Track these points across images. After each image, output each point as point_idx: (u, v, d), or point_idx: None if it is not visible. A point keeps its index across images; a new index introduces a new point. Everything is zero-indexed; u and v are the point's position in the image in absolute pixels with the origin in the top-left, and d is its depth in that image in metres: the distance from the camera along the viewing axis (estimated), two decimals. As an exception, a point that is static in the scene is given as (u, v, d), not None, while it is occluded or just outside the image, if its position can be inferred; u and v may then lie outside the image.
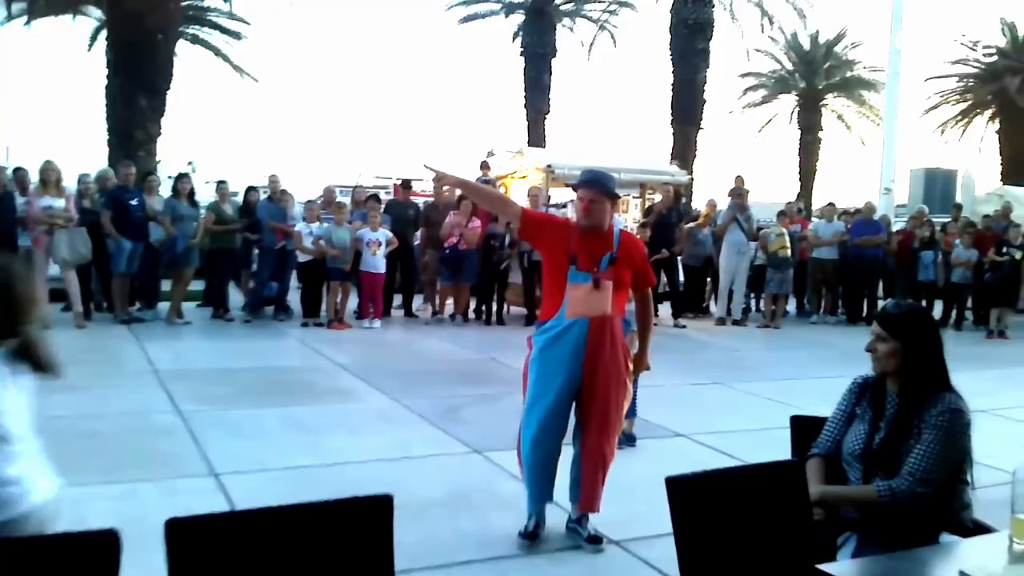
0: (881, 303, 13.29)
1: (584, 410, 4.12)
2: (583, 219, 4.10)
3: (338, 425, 6.31)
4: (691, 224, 13.20)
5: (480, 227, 11.59)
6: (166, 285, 11.25)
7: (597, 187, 4.10)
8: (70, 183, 10.69)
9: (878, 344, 2.88)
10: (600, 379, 4.04)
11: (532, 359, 4.12)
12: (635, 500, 4.64)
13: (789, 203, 15.76)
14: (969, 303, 13.63)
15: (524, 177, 13.99)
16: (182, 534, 2.06)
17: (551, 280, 4.15)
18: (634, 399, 5.55)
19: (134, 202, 10.49)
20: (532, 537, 4.15)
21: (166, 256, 10.87)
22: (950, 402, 2.77)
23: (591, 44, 28.85)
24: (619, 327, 4.13)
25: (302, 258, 11.04)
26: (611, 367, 4.06)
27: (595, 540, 4.15)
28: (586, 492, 4.15)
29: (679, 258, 12.66)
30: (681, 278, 12.91)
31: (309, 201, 11.76)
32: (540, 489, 4.17)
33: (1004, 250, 12.84)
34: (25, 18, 19.47)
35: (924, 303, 13.28)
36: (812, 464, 2.96)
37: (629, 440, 5.84)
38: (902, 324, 2.88)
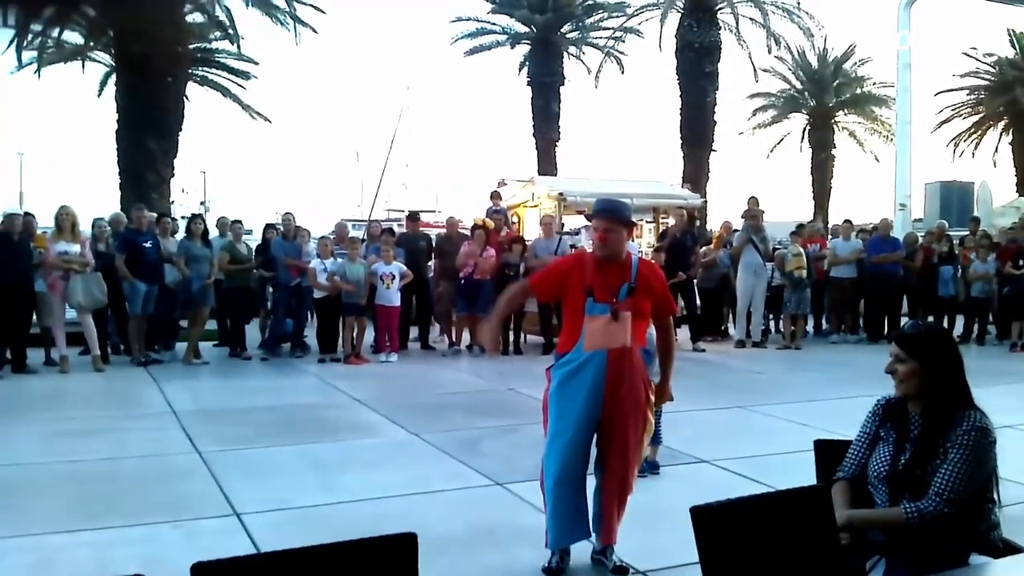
0: (904, 319, 13.20)
1: (605, 443, 4.07)
2: (599, 249, 4.04)
3: (358, 461, 6.29)
4: (705, 248, 13.19)
5: (495, 256, 11.61)
6: (183, 325, 11.30)
7: (612, 216, 4.03)
8: (85, 228, 10.78)
9: (897, 365, 2.86)
10: (620, 412, 3.99)
11: (551, 393, 4.05)
12: (660, 529, 4.60)
13: (809, 222, 15.67)
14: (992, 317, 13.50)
15: (536, 206, 14.04)
16: (206, 579, 2.05)
17: (569, 312, 4.09)
18: (658, 426, 5.53)
19: (148, 244, 10.56)
20: (556, 574, 4.07)
21: (182, 297, 10.93)
22: (976, 420, 2.73)
23: (598, 71, 29.03)
24: (639, 358, 4.07)
25: (317, 295, 11.08)
26: (631, 400, 4.00)
27: (621, 571, 4.09)
28: (606, 524, 4.12)
29: (695, 281, 12.64)
30: (698, 301, 12.87)
31: (322, 237, 11.81)
32: (566, 525, 4.05)
33: (1021, 263, 12.75)
34: (35, 66, 19.76)
35: (945, 318, 13.21)
36: (837, 488, 2.93)
37: (652, 468, 5.79)
38: (920, 344, 2.86)
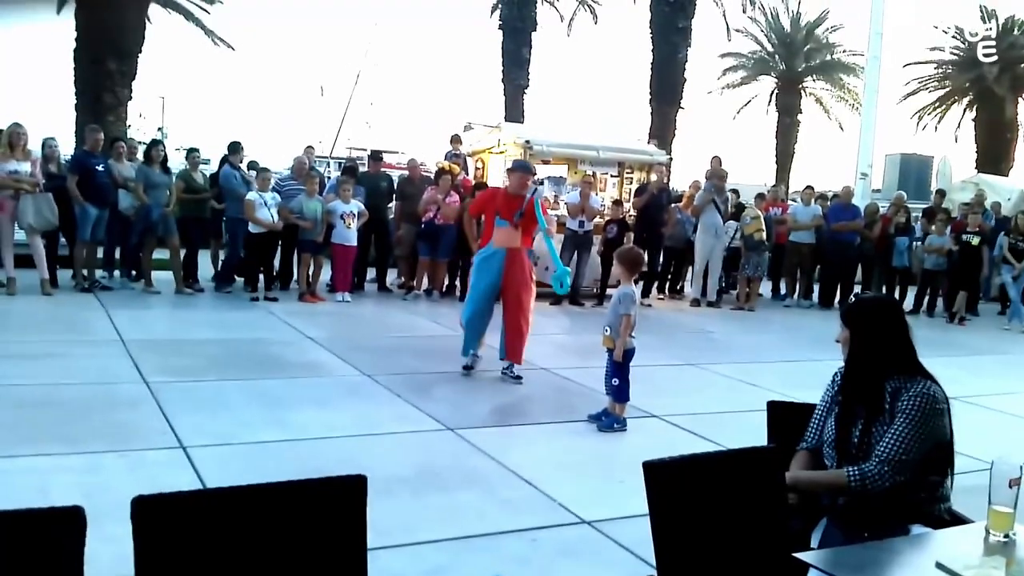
0: (857, 288, 13.39)
1: (504, 301, 7.12)
2: (517, 190, 7.09)
3: (308, 399, 6.24)
4: (674, 205, 13.23)
5: (458, 202, 11.49)
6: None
7: (526, 171, 7.28)
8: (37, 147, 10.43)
9: (841, 333, 2.95)
10: (513, 284, 6.99)
11: (474, 269, 7.20)
12: (609, 481, 4.65)
13: (772, 187, 15.73)
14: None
15: (502, 152, 13.89)
16: (150, 512, 2.00)
17: (488, 225, 7.13)
18: (627, 385, 5.65)
19: (100, 168, 10.27)
20: (470, 368, 7.22)
21: (139, 224, 10.65)
22: (923, 387, 2.75)
23: (571, 19, 28.70)
24: (525, 254, 7.14)
25: (253, 229, 10.58)
26: (520, 277, 7.04)
27: (517, 378, 7.04)
28: (510, 348, 7.08)
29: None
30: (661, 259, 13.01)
31: (264, 169, 11.42)
32: (474, 340, 7.20)
33: (963, 237, 12.97)
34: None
35: (897, 289, 13.42)
36: (798, 457, 2.95)
37: (620, 424, 5.83)
38: (851, 313, 2.97)
